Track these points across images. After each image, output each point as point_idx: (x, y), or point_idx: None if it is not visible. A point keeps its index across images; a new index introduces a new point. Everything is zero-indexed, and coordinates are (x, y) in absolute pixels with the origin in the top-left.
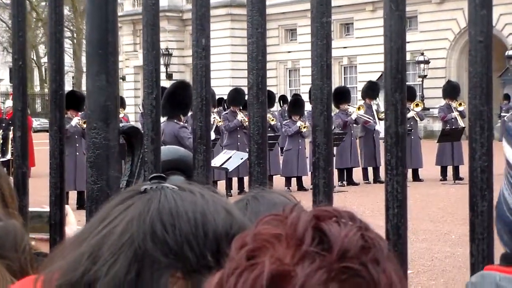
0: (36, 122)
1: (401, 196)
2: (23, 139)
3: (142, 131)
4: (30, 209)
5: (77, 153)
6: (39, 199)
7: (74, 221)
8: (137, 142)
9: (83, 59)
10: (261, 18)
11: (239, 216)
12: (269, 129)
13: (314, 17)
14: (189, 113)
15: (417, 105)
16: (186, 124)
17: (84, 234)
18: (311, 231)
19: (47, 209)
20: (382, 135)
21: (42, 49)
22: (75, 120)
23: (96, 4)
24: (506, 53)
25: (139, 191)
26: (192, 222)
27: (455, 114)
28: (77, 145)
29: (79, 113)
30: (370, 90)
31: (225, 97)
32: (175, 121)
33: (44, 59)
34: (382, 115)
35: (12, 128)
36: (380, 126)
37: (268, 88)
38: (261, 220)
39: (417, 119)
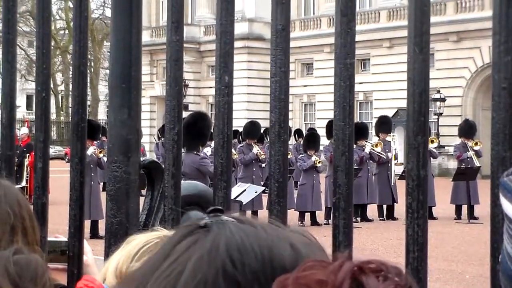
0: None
1: (421, 239)
2: (44, 170)
3: (162, 165)
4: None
5: (92, 182)
6: (53, 227)
7: (89, 249)
8: (157, 177)
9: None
10: (285, 57)
11: (304, 251)
12: None
13: (338, 58)
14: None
15: (432, 141)
16: (205, 155)
17: (146, 275)
18: (348, 281)
19: (61, 238)
20: (397, 172)
21: (59, 77)
22: (91, 149)
23: (120, 38)
24: None
25: (199, 226)
26: (260, 258)
27: (470, 153)
28: (92, 174)
29: (95, 142)
30: (383, 125)
31: (241, 129)
32: (195, 152)
33: (61, 87)
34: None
35: (27, 155)
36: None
37: None
38: (304, 263)
39: (432, 157)
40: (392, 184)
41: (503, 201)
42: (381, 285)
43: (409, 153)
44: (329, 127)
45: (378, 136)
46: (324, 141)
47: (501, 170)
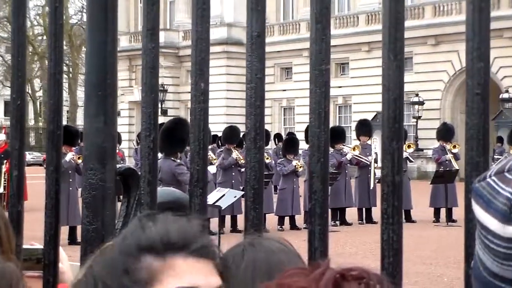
0: (29, 156)
1: (396, 245)
2: (19, 178)
3: (139, 172)
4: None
5: (70, 188)
6: (31, 233)
7: (65, 257)
8: (134, 184)
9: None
10: (260, 64)
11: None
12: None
13: (313, 64)
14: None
15: (409, 146)
16: (182, 162)
17: None
18: None
19: (37, 246)
20: (377, 175)
21: (37, 82)
22: (69, 155)
23: (95, 46)
24: (500, 96)
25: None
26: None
27: (449, 156)
28: (70, 180)
29: (73, 148)
30: (364, 127)
31: (220, 134)
32: (172, 158)
33: (39, 93)
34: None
35: (5, 162)
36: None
37: None
38: (286, 271)
39: (408, 161)
40: (371, 187)
41: (475, 207)
42: None
43: (384, 158)
44: (308, 131)
45: (359, 139)
46: (303, 145)
47: (474, 175)
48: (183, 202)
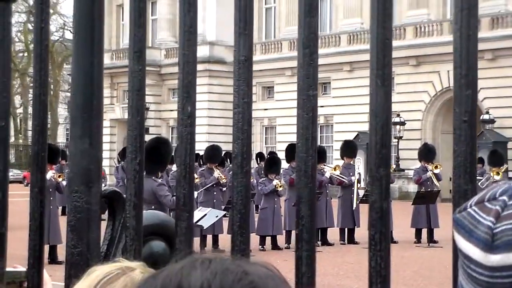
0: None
1: (384, 272)
2: (3, 201)
3: (123, 195)
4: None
5: (51, 207)
6: (13, 252)
7: (49, 279)
8: (119, 207)
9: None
10: (248, 88)
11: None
12: None
13: (301, 90)
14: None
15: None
16: (164, 182)
17: None
18: None
19: (20, 268)
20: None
21: (17, 99)
22: (50, 174)
23: (81, 67)
24: (481, 117)
25: None
26: None
27: (429, 173)
28: (51, 198)
29: (54, 166)
30: (348, 149)
31: (201, 153)
32: (153, 178)
33: (20, 110)
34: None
35: None
36: (355, 188)
37: None
38: None
39: None
40: (354, 207)
41: (457, 237)
42: None
43: (372, 185)
44: (289, 150)
45: (343, 159)
46: (284, 165)
47: (462, 202)
48: (167, 225)
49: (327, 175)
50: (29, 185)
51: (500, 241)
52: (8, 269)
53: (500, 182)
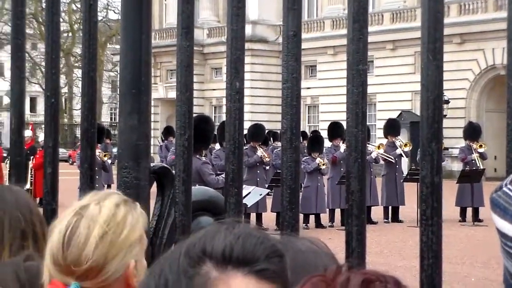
0: None
1: (436, 246)
2: (53, 176)
3: (172, 170)
4: None
5: (96, 185)
6: None
7: None
8: (168, 182)
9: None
10: (296, 63)
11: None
12: None
13: (350, 64)
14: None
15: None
16: (208, 160)
17: None
18: None
19: None
20: (404, 173)
21: (62, 79)
22: (96, 152)
23: (130, 44)
24: None
25: None
26: None
27: (475, 155)
28: (97, 177)
29: (99, 145)
30: (391, 128)
31: (244, 132)
32: (198, 156)
33: (64, 89)
34: (406, 148)
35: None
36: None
37: None
38: (307, 280)
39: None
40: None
41: (494, 217)
42: None
43: (423, 159)
44: (331, 129)
45: (387, 138)
46: (327, 143)
47: None
48: (217, 201)
49: (373, 155)
50: (75, 162)
51: None
52: None
53: None
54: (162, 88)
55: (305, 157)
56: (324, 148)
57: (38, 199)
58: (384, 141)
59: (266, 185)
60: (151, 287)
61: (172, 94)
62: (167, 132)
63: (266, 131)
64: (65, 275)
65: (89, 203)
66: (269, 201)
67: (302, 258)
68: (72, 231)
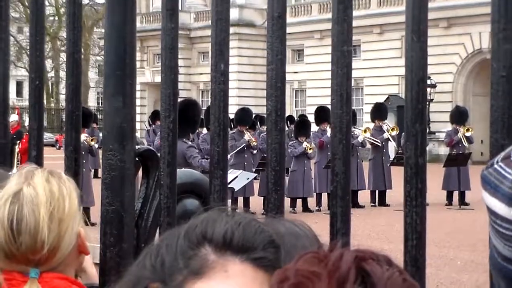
0: None
1: (420, 227)
2: (38, 158)
3: (157, 153)
4: None
5: (83, 170)
6: None
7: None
8: (153, 165)
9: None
10: (281, 45)
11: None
12: None
13: (335, 46)
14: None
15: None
16: (193, 144)
17: None
18: (354, 271)
19: None
20: (391, 157)
21: (49, 63)
22: (82, 137)
23: (114, 26)
24: None
25: None
26: None
27: (460, 135)
28: (84, 161)
29: (86, 130)
30: (378, 112)
31: (231, 116)
32: (184, 140)
33: (51, 74)
34: (393, 132)
35: (18, 142)
36: (390, 149)
37: None
38: (301, 257)
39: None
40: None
41: (484, 194)
42: (385, 273)
43: (407, 140)
44: (318, 113)
45: (374, 122)
46: (314, 128)
47: None
48: (202, 184)
49: (360, 138)
50: (62, 147)
51: None
52: None
53: None
54: (149, 72)
55: (292, 141)
56: (311, 132)
57: None
58: (372, 125)
59: (253, 169)
60: (147, 267)
61: (159, 78)
62: (155, 116)
63: (254, 115)
64: (22, 264)
65: (20, 188)
66: (256, 185)
67: (280, 241)
68: (17, 220)
